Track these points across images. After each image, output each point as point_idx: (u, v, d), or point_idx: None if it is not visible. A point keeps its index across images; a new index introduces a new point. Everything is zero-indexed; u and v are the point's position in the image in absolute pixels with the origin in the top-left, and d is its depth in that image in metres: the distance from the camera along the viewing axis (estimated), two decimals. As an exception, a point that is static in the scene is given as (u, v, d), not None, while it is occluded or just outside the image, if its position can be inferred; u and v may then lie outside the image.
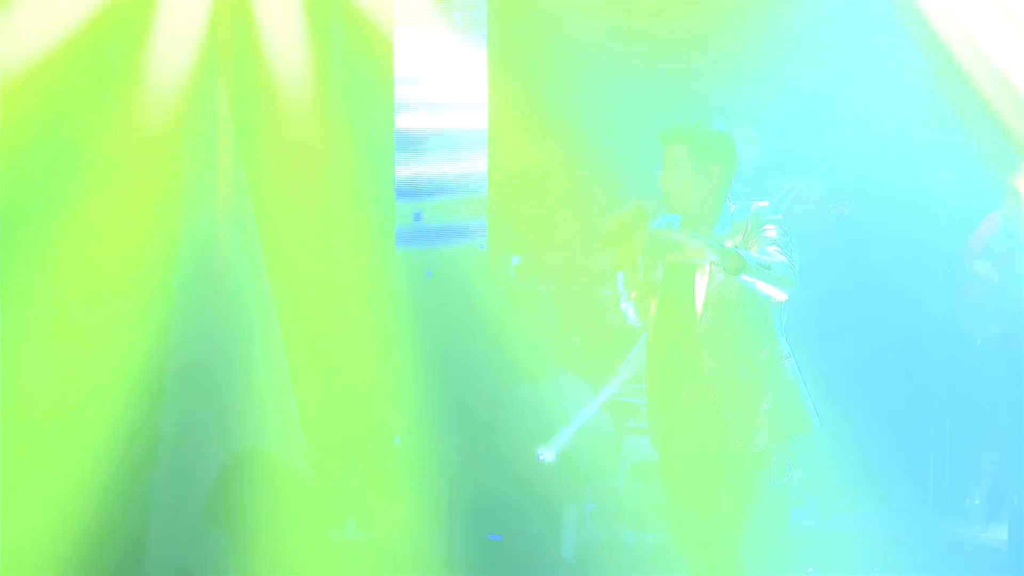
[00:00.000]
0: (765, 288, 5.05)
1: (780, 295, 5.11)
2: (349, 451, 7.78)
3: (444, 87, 7.80)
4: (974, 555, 7.44)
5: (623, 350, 8.13)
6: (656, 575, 7.05)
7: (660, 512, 7.17)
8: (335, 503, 7.42)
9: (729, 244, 5.15)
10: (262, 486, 7.06)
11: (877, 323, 8.20)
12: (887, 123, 8.25)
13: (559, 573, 6.98)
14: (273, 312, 6.12)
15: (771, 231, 5.19)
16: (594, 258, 8.35)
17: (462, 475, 7.71)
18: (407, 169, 7.78)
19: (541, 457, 7.25)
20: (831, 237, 7.61)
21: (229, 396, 6.12)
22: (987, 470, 7.77)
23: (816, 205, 7.55)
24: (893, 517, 7.98)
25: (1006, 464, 7.73)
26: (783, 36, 8.19)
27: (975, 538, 7.66)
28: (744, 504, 5.31)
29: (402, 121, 7.80)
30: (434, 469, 7.77)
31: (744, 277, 4.98)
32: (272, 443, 6.14)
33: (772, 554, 6.77)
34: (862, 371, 8.09)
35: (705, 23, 8.43)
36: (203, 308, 6.15)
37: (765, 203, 5.35)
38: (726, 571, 5.32)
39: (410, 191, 7.82)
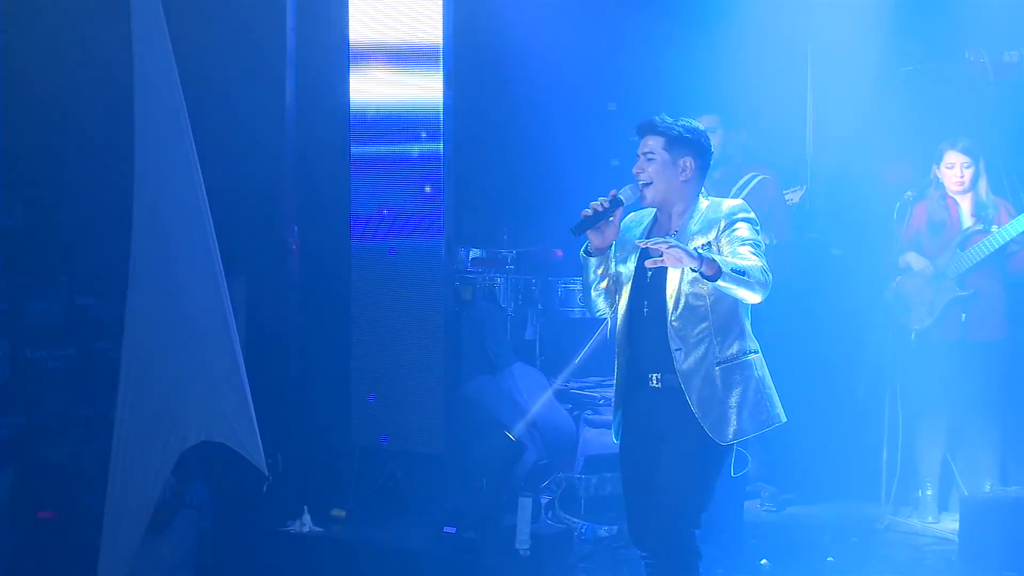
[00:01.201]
0: (740, 293, 5.05)
1: (754, 299, 5.10)
2: (305, 444, 7.73)
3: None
4: (926, 546, 7.46)
5: (579, 342, 8.16)
6: (610, 567, 7.04)
7: (615, 504, 7.20)
8: (291, 496, 7.35)
9: (702, 241, 5.16)
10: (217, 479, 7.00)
11: (829, 315, 8.23)
12: (842, 114, 8.29)
13: (513, 565, 6.94)
14: (228, 302, 6.01)
15: (743, 230, 5.19)
16: (554, 251, 8.35)
17: (417, 468, 7.68)
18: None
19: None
20: (786, 228, 7.60)
21: (184, 387, 6.01)
22: (937, 461, 7.81)
23: (774, 196, 7.54)
24: (846, 508, 8.01)
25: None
26: (749, 29, 8.20)
27: (927, 529, 7.69)
28: (701, 495, 5.28)
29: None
30: (391, 462, 7.74)
31: (720, 283, 4.97)
32: (227, 435, 6.03)
33: (726, 545, 6.77)
34: (814, 363, 8.10)
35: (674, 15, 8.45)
36: (157, 298, 6.04)
37: (739, 201, 5.34)
38: (680, 562, 5.29)
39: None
